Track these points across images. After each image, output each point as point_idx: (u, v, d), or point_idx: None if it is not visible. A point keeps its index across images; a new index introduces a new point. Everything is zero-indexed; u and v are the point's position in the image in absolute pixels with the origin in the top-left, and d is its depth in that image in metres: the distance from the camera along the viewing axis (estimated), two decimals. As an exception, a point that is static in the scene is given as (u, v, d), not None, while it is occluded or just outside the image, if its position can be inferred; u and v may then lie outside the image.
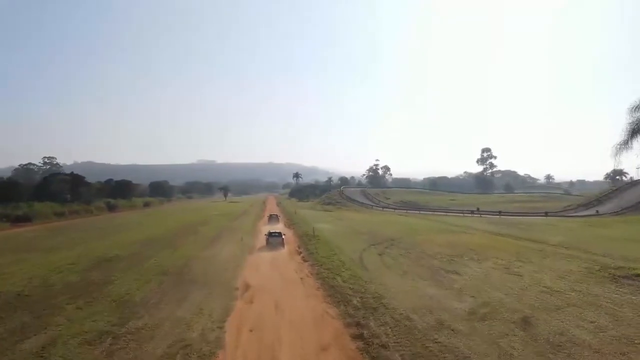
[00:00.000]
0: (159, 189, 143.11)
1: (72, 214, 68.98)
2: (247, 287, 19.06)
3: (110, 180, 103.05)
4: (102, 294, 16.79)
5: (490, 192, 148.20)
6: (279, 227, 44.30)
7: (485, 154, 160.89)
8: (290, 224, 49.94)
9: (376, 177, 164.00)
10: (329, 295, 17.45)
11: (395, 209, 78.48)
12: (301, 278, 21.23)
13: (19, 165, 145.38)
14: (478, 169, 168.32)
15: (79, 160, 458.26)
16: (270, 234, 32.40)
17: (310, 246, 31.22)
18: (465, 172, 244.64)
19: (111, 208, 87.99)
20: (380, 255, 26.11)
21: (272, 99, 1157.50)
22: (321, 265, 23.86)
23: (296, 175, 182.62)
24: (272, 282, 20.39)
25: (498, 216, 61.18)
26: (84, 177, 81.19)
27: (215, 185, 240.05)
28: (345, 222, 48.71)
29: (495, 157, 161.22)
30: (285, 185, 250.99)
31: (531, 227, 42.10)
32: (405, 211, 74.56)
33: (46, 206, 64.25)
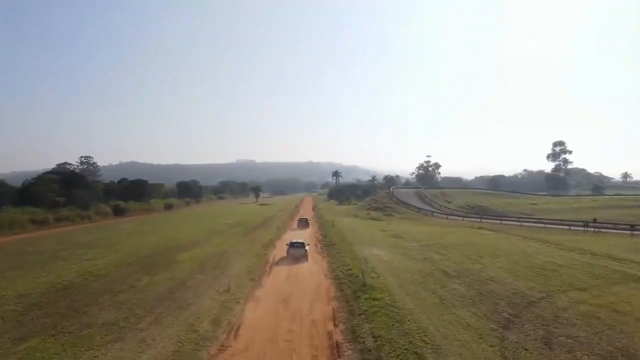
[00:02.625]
0: (187, 189, 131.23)
1: (60, 221, 56.19)
2: None
3: (124, 179, 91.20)
4: None
5: (565, 192, 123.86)
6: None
7: (557, 149, 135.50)
8: (325, 245, 33.18)
9: (427, 176, 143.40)
10: None
11: (464, 216, 59.58)
12: None
13: (56, 165, 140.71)
14: (548, 165, 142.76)
15: (124, 161, 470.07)
16: (291, 244, 28.06)
17: (359, 320, 14.37)
18: (525, 170, 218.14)
19: (119, 212, 75.47)
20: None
21: (311, 98, 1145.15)
22: None
23: (336, 174, 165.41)
24: None
25: (630, 232, 41.04)
26: (84, 176, 69.13)
27: (252, 185, 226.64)
28: (409, 244, 31.24)
29: (570, 152, 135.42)
30: (324, 185, 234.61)
31: None
32: (479, 220, 55.54)
33: (23, 213, 51.62)
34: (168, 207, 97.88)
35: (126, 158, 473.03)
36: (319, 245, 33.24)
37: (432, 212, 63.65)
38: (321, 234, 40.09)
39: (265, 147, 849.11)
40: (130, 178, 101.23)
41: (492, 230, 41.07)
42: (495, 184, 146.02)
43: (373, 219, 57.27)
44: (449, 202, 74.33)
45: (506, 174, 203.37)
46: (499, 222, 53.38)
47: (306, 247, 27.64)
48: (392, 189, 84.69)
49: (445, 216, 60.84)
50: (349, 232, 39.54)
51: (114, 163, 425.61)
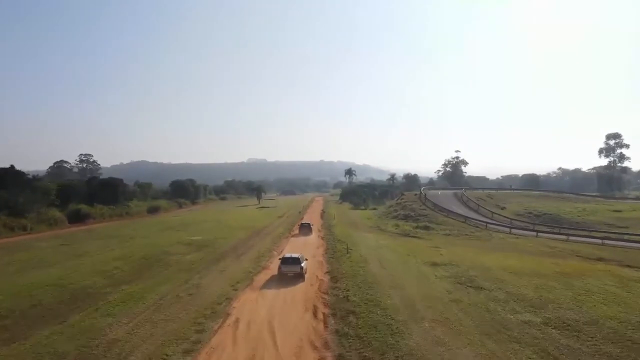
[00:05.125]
0: (182, 189, 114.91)
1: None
2: None
3: (94, 178, 75.52)
4: None
5: (621, 193, 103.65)
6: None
7: (612, 142, 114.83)
8: (336, 310, 15.81)
9: (456, 175, 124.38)
10: None
11: (534, 230, 41.50)
12: None
13: (54, 164, 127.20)
14: (601, 162, 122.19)
15: (135, 160, 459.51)
16: (284, 260, 21.85)
17: None
18: (559, 169, 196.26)
19: (80, 218, 60.10)
20: None
21: (322, 97, 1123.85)
22: None
23: (349, 172, 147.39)
24: None
25: None
26: (20, 174, 53.04)
27: (257, 184, 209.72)
28: (520, 319, 13.84)
29: (627, 146, 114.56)
30: (337, 185, 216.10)
31: None
32: (565, 237, 37.45)
33: None
34: (153, 210, 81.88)
35: (137, 157, 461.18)
36: (319, 311, 15.88)
37: (487, 223, 45.57)
38: (328, 272, 22.73)
39: (276, 146, 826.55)
40: (139, 177, 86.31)
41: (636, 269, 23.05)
42: (536, 184, 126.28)
43: (406, 235, 39.44)
44: (501, 208, 56.03)
45: (539, 173, 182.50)
46: (600, 242, 35.23)
47: (302, 264, 21.75)
48: (424, 189, 66.03)
49: (508, 230, 42.75)
50: (379, 272, 21.94)
51: (125, 162, 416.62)
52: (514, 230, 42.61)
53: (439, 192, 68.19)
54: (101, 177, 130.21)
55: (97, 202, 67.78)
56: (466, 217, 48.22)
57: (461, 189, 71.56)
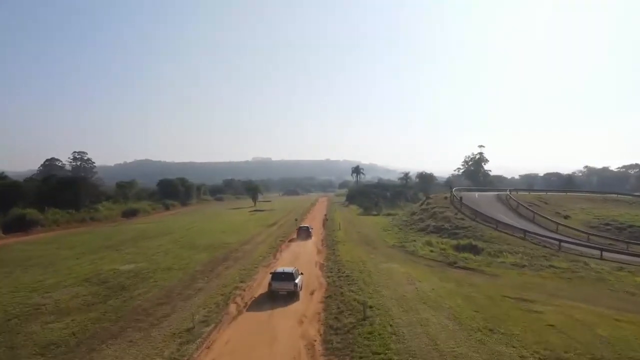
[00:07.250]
0: (172, 189, 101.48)
1: None
2: None
3: (51, 177, 62.52)
4: None
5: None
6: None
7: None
8: None
9: (479, 173, 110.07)
10: None
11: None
12: None
13: (45, 161, 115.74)
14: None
15: (138, 159, 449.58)
16: (275, 276, 17.97)
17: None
18: (586, 167, 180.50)
19: (23, 227, 48.61)
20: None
21: (328, 96, 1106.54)
22: None
23: (356, 171, 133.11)
24: None
25: None
26: None
27: (268, 183, 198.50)
28: None
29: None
30: (342, 184, 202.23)
31: None
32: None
33: None
34: (130, 214, 68.98)
35: (141, 156, 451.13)
36: None
37: (559, 240, 31.61)
38: None
39: (281, 145, 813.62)
40: (142, 176, 74.44)
41: None
42: (570, 184, 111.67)
43: (452, 263, 25.49)
44: (565, 217, 41.83)
45: (562, 172, 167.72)
46: None
47: (297, 280, 17.77)
48: (455, 190, 50.51)
49: (598, 253, 28.85)
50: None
51: (128, 161, 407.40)
52: (605, 254, 28.72)
53: (476, 194, 53.53)
54: (96, 176, 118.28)
55: (54, 206, 55.44)
56: (525, 231, 34.20)
57: (505, 190, 56.52)
